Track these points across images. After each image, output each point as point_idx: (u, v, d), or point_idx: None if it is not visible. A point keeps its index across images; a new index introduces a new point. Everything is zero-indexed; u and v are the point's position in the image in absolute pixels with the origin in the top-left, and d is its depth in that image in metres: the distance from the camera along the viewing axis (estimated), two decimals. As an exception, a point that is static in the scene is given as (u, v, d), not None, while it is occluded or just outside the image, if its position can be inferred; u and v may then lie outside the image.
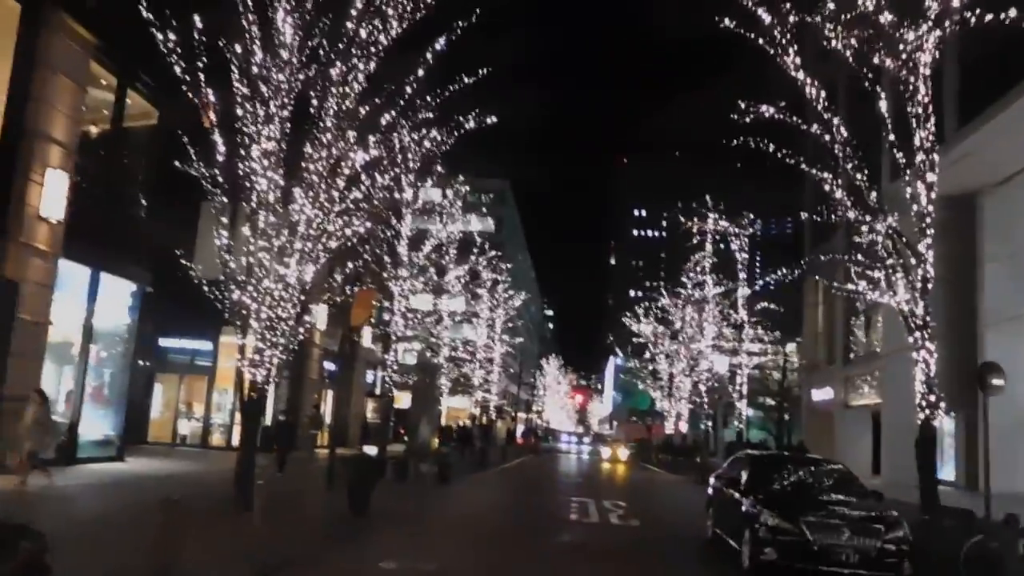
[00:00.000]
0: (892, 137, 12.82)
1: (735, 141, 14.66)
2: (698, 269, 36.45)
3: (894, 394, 29.13)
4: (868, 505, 9.28)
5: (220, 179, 10.85)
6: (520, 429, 61.51)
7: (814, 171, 12.92)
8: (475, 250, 28.50)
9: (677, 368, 40.24)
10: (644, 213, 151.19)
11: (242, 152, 10.68)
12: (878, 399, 32.19)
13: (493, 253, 29.79)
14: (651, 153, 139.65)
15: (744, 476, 10.16)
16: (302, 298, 11.24)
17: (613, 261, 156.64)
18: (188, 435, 23.56)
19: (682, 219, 35.50)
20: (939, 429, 28.12)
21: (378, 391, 20.36)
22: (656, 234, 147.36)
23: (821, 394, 39.33)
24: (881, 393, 31.18)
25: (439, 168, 19.01)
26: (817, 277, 39.76)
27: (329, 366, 29.48)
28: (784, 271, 25.99)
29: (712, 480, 12.00)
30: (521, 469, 28.86)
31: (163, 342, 23.00)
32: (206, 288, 11.10)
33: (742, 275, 28.66)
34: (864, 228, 12.79)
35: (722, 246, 33.71)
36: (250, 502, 10.49)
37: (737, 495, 9.88)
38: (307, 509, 11.15)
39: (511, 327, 41.85)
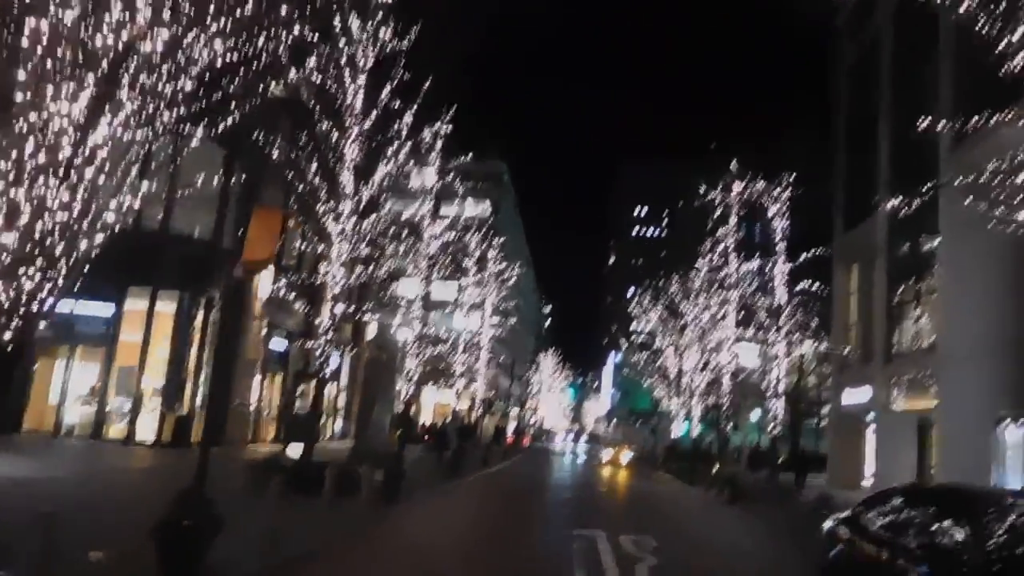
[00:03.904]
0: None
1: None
2: (718, 249, 31.65)
3: (956, 397, 24.24)
4: None
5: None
6: (511, 427, 56.48)
7: None
8: (459, 212, 23.44)
9: (688, 363, 35.23)
10: (645, 211, 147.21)
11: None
12: (930, 403, 27.29)
13: (481, 207, 24.67)
14: (654, 151, 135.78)
15: (972, 546, 4.75)
16: (86, 172, 6.05)
17: (612, 260, 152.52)
18: (77, 425, 18.36)
19: (701, 190, 30.29)
20: (1000, 440, 23.16)
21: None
22: (657, 233, 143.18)
23: (854, 396, 34.34)
24: (937, 396, 26.27)
25: (400, 70, 13.86)
26: (856, 264, 35.03)
27: (277, 345, 24.37)
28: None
29: (843, 530, 6.58)
30: (505, 477, 23.52)
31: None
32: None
33: (781, 246, 23.47)
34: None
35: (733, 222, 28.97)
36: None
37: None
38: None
39: (502, 309, 36.64)
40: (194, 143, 7.44)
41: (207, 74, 7.22)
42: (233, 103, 7.66)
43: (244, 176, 15.06)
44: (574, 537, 10.66)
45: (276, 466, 10.92)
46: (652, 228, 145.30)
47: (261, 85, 7.88)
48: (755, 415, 38.03)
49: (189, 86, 7.12)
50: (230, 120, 7.82)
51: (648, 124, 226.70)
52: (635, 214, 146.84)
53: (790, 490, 24.02)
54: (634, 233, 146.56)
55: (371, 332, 25.76)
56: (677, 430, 37.94)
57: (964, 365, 23.00)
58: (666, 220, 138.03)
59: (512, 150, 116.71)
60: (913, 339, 29.71)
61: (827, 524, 7.02)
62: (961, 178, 11.28)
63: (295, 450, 13.20)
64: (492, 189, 69.74)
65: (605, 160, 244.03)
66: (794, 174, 23.77)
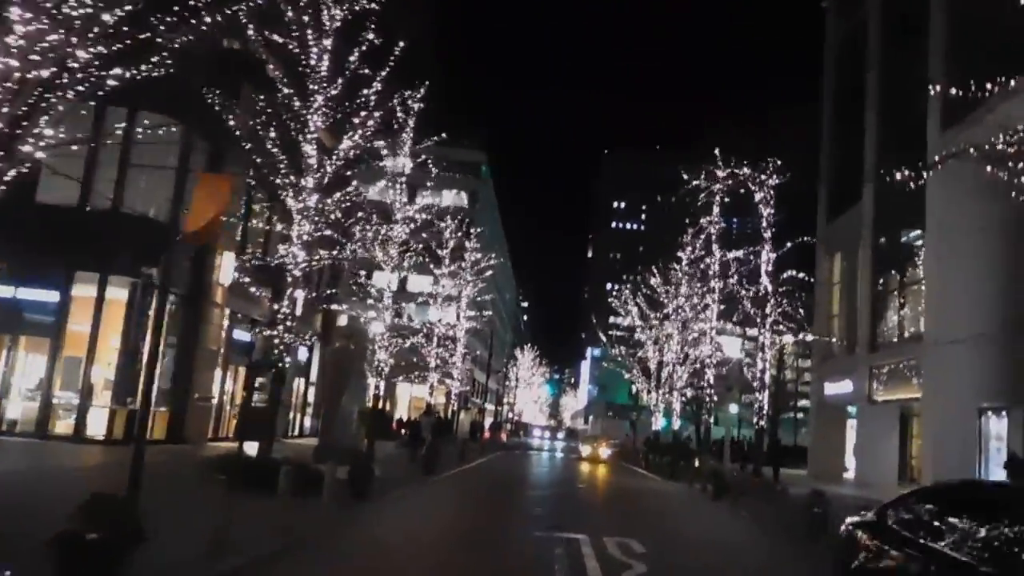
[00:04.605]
0: None
1: None
2: (700, 239, 30.99)
3: (941, 387, 23.81)
4: None
5: None
6: (488, 422, 55.60)
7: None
8: (436, 201, 22.41)
9: (669, 356, 34.54)
10: (624, 205, 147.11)
11: None
12: (914, 394, 26.85)
13: (459, 197, 23.68)
14: (634, 144, 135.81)
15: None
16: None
17: (591, 254, 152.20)
18: (20, 420, 17.04)
19: (685, 176, 29.44)
20: (985, 430, 22.86)
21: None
22: (635, 227, 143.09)
23: (836, 387, 33.93)
24: (922, 386, 25.83)
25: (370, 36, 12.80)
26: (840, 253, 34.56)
27: (241, 335, 23.10)
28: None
29: (865, 536, 5.53)
30: (482, 474, 22.56)
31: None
32: None
33: (767, 235, 22.78)
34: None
35: (713, 211, 28.31)
36: None
37: None
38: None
39: (479, 302, 35.62)
40: (111, 84, 6.25)
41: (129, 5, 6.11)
42: (162, 42, 6.53)
43: (191, 142, 13.84)
44: (555, 540, 9.71)
45: (230, 464, 9.85)
46: (632, 222, 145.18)
47: (197, 23, 6.75)
48: (734, 408, 37.60)
49: (107, 17, 6.02)
50: (157, 66, 6.67)
51: (629, 116, 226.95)
52: (615, 207, 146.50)
53: (774, 484, 23.41)
54: (613, 226, 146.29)
55: (342, 322, 24.62)
56: (657, 424, 37.31)
57: (949, 354, 22.54)
58: (645, 214, 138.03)
59: (491, 145, 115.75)
60: (897, 328, 29.29)
61: (844, 528, 6.12)
62: (962, 146, 10.67)
63: (253, 447, 12.09)
64: (471, 180, 68.63)
65: (585, 154, 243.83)
66: (779, 162, 23.07)
